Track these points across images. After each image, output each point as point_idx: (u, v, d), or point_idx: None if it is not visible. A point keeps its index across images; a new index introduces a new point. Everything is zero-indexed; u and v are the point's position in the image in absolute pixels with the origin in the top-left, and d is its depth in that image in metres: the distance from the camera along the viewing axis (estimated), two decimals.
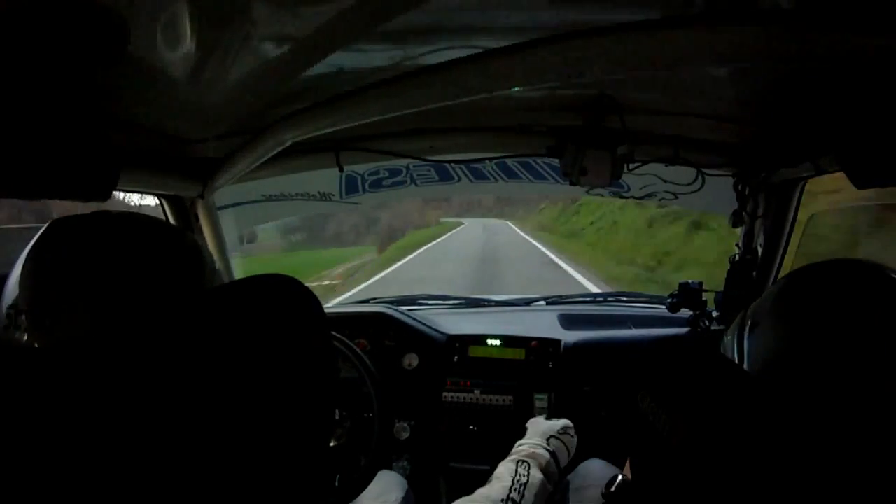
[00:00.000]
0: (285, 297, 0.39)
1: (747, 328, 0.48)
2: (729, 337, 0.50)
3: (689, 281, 1.25)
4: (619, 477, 0.70)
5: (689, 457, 0.38)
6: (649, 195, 1.35)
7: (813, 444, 0.35)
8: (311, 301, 0.40)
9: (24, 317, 0.34)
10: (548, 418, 0.95)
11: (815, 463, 0.35)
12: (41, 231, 0.38)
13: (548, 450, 0.83)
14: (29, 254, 0.36)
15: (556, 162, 1.01)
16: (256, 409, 0.35)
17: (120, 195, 0.86)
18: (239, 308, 0.37)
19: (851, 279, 0.43)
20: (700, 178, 1.09)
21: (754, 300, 0.50)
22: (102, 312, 0.34)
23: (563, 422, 0.93)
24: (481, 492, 0.73)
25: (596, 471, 0.93)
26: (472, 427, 1.29)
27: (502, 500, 0.70)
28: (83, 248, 0.36)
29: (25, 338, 0.34)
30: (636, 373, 0.45)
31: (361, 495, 0.99)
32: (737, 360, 0.47)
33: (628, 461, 0.87)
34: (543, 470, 0.78)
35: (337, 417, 1.11)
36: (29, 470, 0.30)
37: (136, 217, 0.41)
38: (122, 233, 0.39)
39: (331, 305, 1.69)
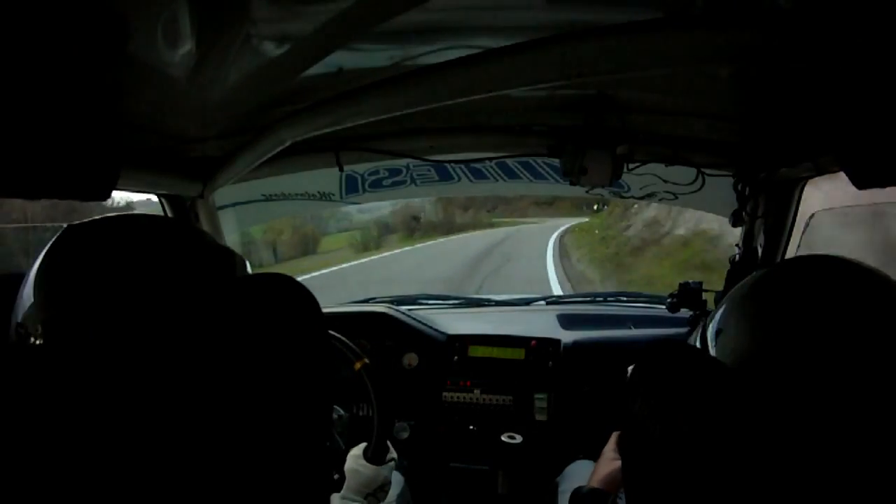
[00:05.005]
0: (283, 295, 0.39)
1: (716, 323, 0.47)
2: (700, 332, 0.50)
3: (690, 281, 1.25)
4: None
5: (680, 457, 0.38)
6: (649, 195, 1.35)
7: (794, 439, 0.35)
8: (308, 300, 0.40)
9: (40, 325, 0.33)
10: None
11: (796, 458, 0.35)
12: (55, 237, 0.37)
13: None
14: (44, 260, 0.35)
15: (556, 162, 1.00)
16: (254, 407, 0.35)
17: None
18: (237, 307, 0.37)
19: (823, 274, 0.43)
20: (700, 178, 1.09)
21: None
22: (123, 317, 0.33)
23: (385, 474, 0.84)
24: None
25: (584, 472, 0.93)
26: (471, 427, 1.29)
27: None
28: (100, 252, 0.35)
29: (41, 344, 0.33)
30: (628, 376, 0.45)
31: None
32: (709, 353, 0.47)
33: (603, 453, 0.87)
34: None
35: (336, 416, 1.11)
36: (40, 468, 0.30)
37: (157, 220, 0.40)
38: (145, 236, 0.38)
39: (331, 305, 1.70)
